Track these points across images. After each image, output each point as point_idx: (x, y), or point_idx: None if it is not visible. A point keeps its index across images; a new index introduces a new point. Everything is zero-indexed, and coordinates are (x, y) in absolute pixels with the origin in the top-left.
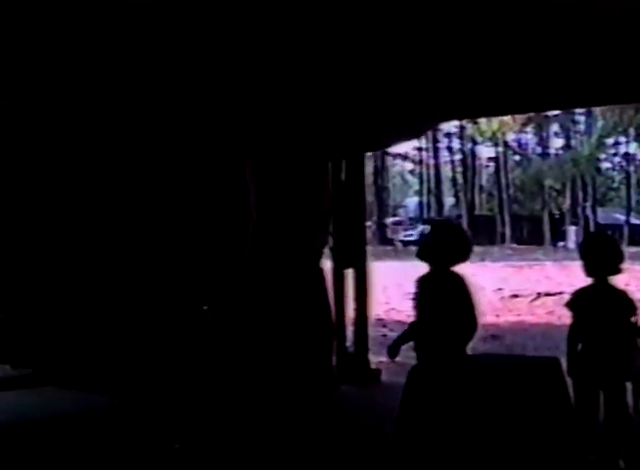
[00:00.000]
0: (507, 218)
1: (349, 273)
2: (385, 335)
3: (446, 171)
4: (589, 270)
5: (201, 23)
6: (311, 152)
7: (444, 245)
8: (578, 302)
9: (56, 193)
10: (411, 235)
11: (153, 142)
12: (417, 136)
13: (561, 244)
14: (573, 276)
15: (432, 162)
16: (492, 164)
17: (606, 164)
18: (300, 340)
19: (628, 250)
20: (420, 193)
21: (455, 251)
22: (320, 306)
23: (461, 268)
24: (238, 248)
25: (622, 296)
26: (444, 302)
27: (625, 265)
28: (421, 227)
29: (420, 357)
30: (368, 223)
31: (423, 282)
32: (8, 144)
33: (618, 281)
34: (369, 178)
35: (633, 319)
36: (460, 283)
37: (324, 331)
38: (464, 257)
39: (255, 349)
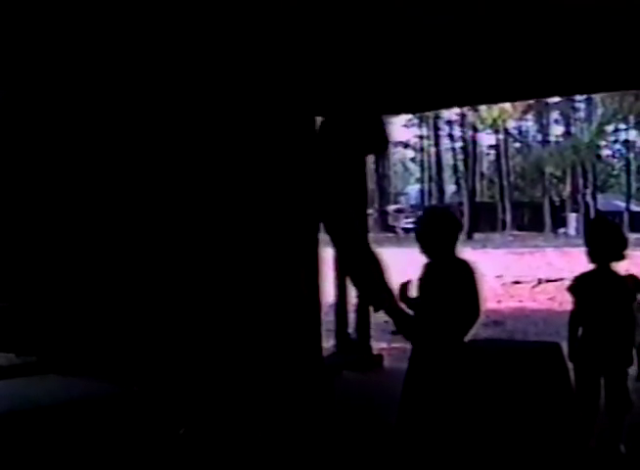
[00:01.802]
0: (508, 205)
1: None
2: (386, 321)
3: (447, 159)
4: (593, 256)
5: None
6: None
7: (435, 234)
8: (580, 286)
9: (58, 181)
10: (412, 222)
11: (154, 132)
12: None
13: (561, 230)
14: (574, 262)
15: (433, 149)
16: (493, 151)
17: (606, 152)
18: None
19: (629, 236)
20: (421, 180)
21: (448, 237)
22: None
23: (462, 255)
24: (235, 238)
25: (624, 282)
26: (447, 289)
27: (626, 252)
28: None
29: (419, 342)
30: (370, 211)
31: (429, 268)
32: (10, 139)
33: (619, 267)
34: (370, 166)
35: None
36: (464, 270)
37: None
38: (456, 239)
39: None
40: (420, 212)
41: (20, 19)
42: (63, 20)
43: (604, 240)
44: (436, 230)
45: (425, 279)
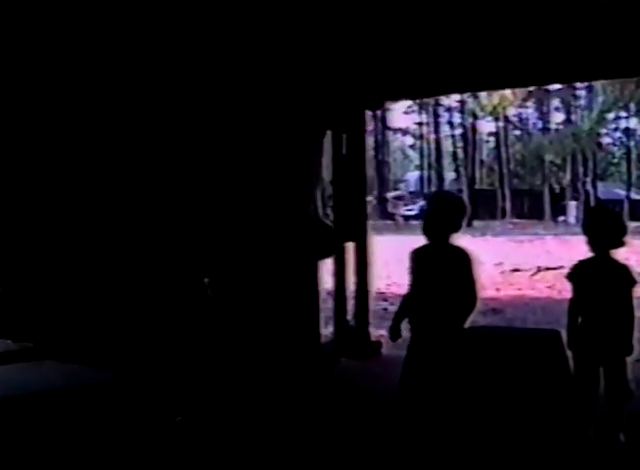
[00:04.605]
0: (507, 193)
1: (350, 247)
2: (385, 309)
3: (447, 146)
4: (593, 244)
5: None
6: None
7: (442, 218)
8: (579, 274)
9: (53, 173)
10: (412, 209)
11: (149, 134)
12: None
13: (561, 218)
14: (574, 250)
15: (432, 136)
16: (493, 138)
17: (606, 139)
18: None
19: (629, 225)
20: (421, 167)
21: (452, 223)
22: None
23: (462, 242)
24: (233, 226)
25: (623, 269)
26: (440, 274)
27: (626, 240)
28: (421, 202)
29: (417, 330)
30: (369, 198)
31: (417, 255)
32: (8, 136)
33: (618, 255)
34: (370, 153)
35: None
36: (460, 256)
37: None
38: (459, 227)
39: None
40: (419, 199)
41: (20, 18)
42: (63, 19)
43: (604, 228)
44: (445, 215)
45: (416, 266)
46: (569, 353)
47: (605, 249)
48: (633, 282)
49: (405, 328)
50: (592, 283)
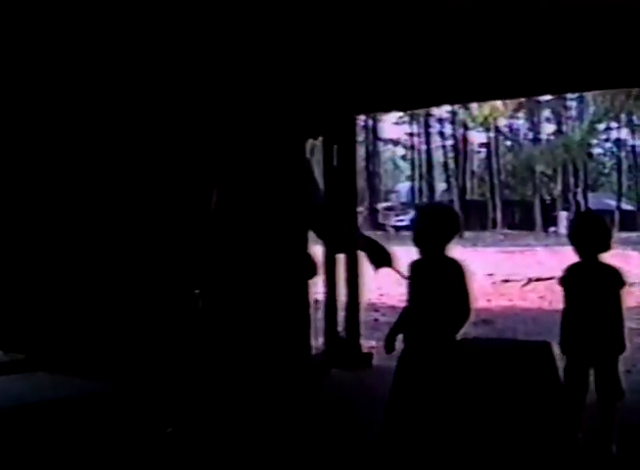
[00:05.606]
0: (498, 204)
1: (341, 258)
2: (376, 320)
3: (438, 157)
4: (581, 251)
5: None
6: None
7: (433, 230)
8: (571, 277)
9: (46, 181)
10: (403, 220)
11: (141, 139)
12: None
13: (552, 229)
14: (565, 261)
15: (423, 147)
16: (484, 149)
17: (597, 150)
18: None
19: (619, 235)
20: (412, 178)
21: (444, 234)
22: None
23: (452, 253)
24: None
25: (614, 271)
26: (435, 287)
27: (617, 250)
28: (412, 213)
29: (409, 341)
30: (360, 209)
31: (415, 267)
32: (5, 138)
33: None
34: (360, 163)
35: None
36: (454, 269)
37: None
38: (452, 238)
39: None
40: (410, 210)
41: (20, 18)
42: (62, 19)
43: (590, 232)
44: (436, 226)
45: (415, 278)
46: (561, 359)
47: (593, 253)
48: (623, 283)
49: (398, 339)
50: (585, 285)
